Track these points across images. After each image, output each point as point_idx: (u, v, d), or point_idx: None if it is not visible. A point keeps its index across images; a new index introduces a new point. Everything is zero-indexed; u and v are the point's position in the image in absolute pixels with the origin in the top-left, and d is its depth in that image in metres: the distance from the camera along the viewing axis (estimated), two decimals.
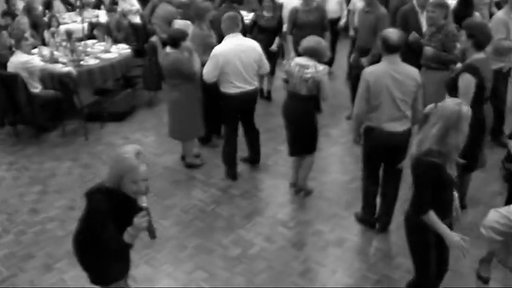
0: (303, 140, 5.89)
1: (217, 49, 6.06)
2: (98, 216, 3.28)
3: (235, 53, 6.01)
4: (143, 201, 3.29)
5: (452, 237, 3.53)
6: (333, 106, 8.49)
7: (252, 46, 6.19)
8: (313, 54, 5.54)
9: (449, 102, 3.56)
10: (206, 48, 6.55)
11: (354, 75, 7.81)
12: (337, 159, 7.02)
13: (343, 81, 8.98)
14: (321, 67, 5.50)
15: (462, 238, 3.51)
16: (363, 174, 5.41)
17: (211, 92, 6.51)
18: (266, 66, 6.35)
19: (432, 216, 3.53)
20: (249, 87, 6.20)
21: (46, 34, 9.89)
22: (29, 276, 4.95)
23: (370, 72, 4.85)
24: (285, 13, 8.80)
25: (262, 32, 8.47)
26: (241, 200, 6.13)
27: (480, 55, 5.03)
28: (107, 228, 3.27)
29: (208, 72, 6.07)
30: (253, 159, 6.83)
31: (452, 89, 5.01)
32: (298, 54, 5.93)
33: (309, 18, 7.77)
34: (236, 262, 5.07)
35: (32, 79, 7.64)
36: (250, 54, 6.10)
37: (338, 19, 9.56)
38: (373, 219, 5.48)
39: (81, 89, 7.90)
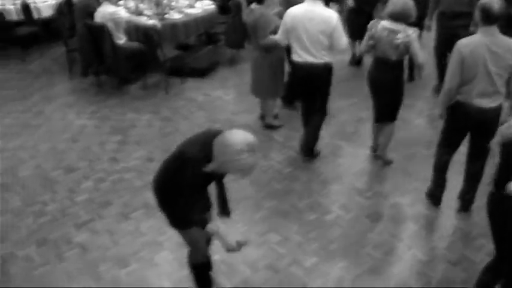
0: (388, 107, 5.72)
1: (288, 12, 5.72)
2: (193, 163, 3.14)
3: (301, 20, 5.54)
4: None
5: None
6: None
7: (323, 16, 5.48)
8: (400, 17, 5.28)
9: None
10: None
11: (439, 44, 7.49)
12: (421, 132, 6.75)
13: (431, 50, 8.63)
14: (411, 31, 5.25)
15: None
16: (439, 146, 5.13)
17: None
18: (341, 41, 5.60)
19: None
20: (313, 61, 5.63)
21: None
22: (106, 223, 5.07)
23: (465, 44, 4.52)
24: None
25: None
26: (318, 165, 6.03)
27: None
28: (196, 177, 3.20)
29: (279, 34, 5.89)
30: (303, 148, 6.19)
31: None
32: None
33: None
34: (310, 227, 4.99)
35: (117, 30, 7.73)
36: (318, 25, 5.48)
37: None
38: (439, 194, 5.24)
39: (164, 43, 7.92)
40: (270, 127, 6.77)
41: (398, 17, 5.28)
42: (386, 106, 5.73)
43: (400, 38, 5.22)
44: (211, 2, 9.29)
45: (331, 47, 5.64)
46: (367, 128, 6.63)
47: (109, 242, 4.82)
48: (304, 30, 5.53)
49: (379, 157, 6.06)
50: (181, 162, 3.23)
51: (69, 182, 5.75)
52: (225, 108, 7.41)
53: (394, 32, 5.26)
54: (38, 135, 6.83)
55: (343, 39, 5.62)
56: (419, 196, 5.41)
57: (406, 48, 5.27)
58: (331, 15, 5.52)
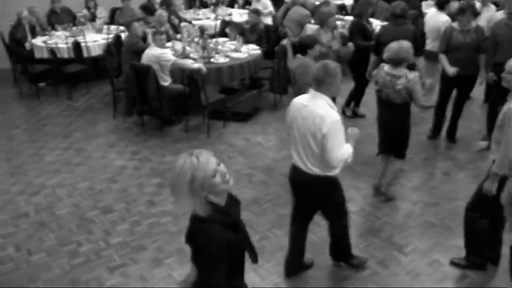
0: (395, 145, 5.90)
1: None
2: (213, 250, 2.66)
3: (295, 114, 4.35)
4: None
5: None
6: (465, 128, 7.95)
7: (316, 116, 4.16)
8: (399, 62, 5.46)
9: None
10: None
11: (492, 97, 7.29)
12: (463, 187, 6.51)
13: (481, 105, 8.50)
14: (412, 75, 5.43)
15: None
16: (482, 213, 4.75)
17: None
18: (331, 156, 4.16)
19: None
20: (302, 168, 4.41)
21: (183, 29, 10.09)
22: (139, 268, 5.01)
23: None
24: (428, 28, 8.38)
25: None
26: (358, 217, 5.84)
27: None
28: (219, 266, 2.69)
29: None
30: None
31: None
32: None
33: (466, 39, 7.07)
34: (345, 283, 4.82)
35: (162, 72, 7.84)
36: (309, 125, 4.21)
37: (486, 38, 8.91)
38: (484, 260, 4.95)
39: (208, 86, 7.96)
40: None
41: (397, 61, 5.45)
42: (393, 144, 5.88)
43: (400, 83, 5.42)
44: (257, 47, 9.33)
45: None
46: (408, 180, 6.49)
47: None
48: (297, 126, 4.35)
49: (383, 194, 6.15)
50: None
51: (106, 224, 5.74)
52: (265, 154, 7.33)
53: (395, 77, 5.45)
54: (77, 174, 6.89)
55: (334, 154, 4.17)
56: (460, 254, 5.16)
57: (408, 92, 5.44)
58: (327, 116, 4.13)
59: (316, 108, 4.15)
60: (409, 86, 5.41)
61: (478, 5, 8.70)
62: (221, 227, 2.65)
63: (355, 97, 8.50)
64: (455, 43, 7.09)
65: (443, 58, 7.26)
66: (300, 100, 4.35)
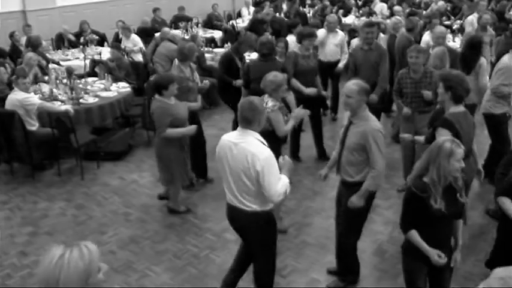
0: None
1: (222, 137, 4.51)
2: None
3: (225, 151, 4.31)
4: None
5: (432, 254, 3.82)
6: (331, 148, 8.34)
7: (248, 153, 4.14)
8: (264, 88, 5.72)
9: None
10: (183, 92, 6.53)
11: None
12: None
13: None
14: (270, 104, 5.60)
15: (439, 254, 3.84)
16: (356, 236, 5.08)
17: (198, 138, 6.75)
18: (270, 191, 4.15)
19: (414, 235, 3.87)
20: (237, 205, 4.36)
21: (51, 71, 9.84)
22: None
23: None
24: None
25: None
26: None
27: (458, 108, 4.89)
28: None
29: None
30: None
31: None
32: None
33: (310, 64, 7.64)
34: None
35: (29, 117, 7.60)
36: (241, 162, 4.19)
37: (337, 62, 9.44)
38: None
39: (79, 128, 7.84)
40: (174, 212, 6.67)
41: (264, 90, 5.71)
42: None
43: None
44: (127, 85, 9.31)
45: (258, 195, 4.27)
46: (282, 208, 6.72)
47: None
48: (228, 164, 4.31)
49: None
50: None
51: None
52: (140, 192, 7.30)
53: None
54: None
55: (274, 189, 4.16)
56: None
57: (268, 120, 5.44)
58: (259, 153, 4.13)
59: (247, 145, 4.15)
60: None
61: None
62: None
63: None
64: (303, 68, 7.58)
65: (294, 82, 7.56)
66: (228, 138, 4.33)
